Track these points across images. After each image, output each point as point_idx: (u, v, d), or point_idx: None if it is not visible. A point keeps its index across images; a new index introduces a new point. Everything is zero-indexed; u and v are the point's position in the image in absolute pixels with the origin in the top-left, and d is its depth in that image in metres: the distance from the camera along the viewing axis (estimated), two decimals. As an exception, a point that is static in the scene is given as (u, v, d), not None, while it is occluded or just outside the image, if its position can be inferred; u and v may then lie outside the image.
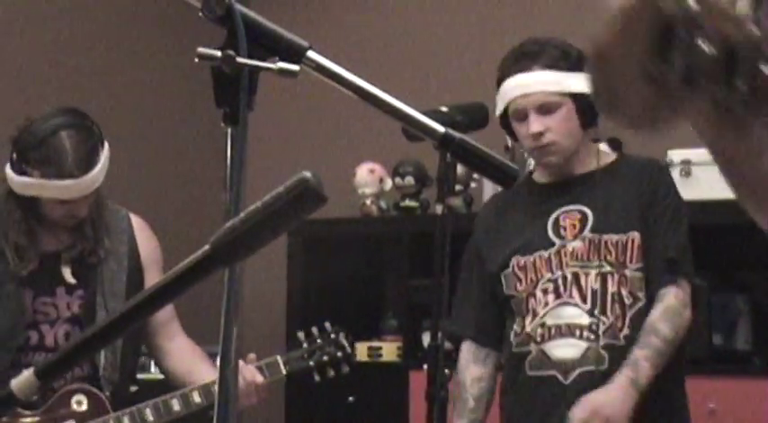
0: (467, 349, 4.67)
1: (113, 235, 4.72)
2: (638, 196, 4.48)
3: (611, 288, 4.40)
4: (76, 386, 4.61)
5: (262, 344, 6.45)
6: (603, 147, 6.28)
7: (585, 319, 4.38)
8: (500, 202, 4.77)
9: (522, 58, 4.47)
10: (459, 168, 4.53)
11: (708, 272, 6.02)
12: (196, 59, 1.96)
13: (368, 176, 6.89)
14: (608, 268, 4.41)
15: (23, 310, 4.58)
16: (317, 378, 4.83)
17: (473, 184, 6.56)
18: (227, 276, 1.92)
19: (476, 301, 4.66)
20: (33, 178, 4.48)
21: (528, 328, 4.46)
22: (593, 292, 4.39)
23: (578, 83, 4.34)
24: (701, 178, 6.08)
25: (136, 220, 4.82)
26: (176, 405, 4.58)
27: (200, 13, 1.97)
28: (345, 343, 4.86)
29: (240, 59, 1.94)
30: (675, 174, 6.12)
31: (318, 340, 4.80)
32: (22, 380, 1.80)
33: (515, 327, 4.51)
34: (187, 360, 4.76)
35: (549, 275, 4.47)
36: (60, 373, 1.81)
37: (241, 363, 4.55)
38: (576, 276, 4.43)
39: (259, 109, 1.97)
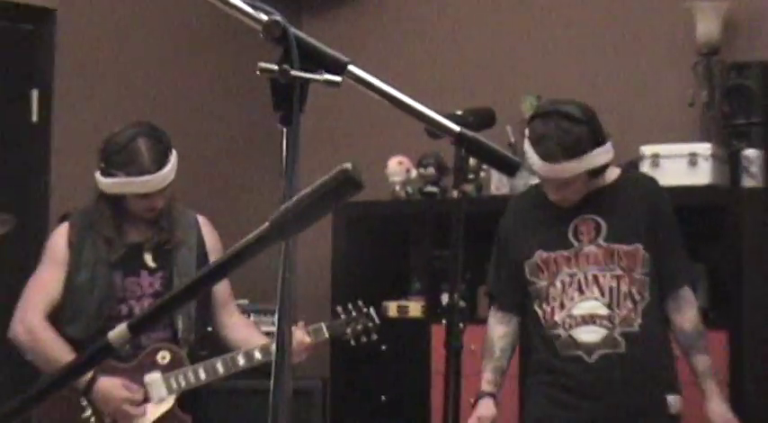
0: (493, 314, 4.85)
1: (184, 229, 4.81)
2: (642, 212, 4.60)
3: (624, 288, 4.55)
4: (161, 344, 4.66)
5: (311, 306, 6.46)
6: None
7: (604, 311, 4.55)
8: (531, 198, 4.84)
9: (548, 143, 4.48)
10: (471, 160, 4.53)
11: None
12: (258, 72, 1.96)
13: (397, 167, 6.89)
14: (620, 272, 4.56)
15: (112, 288, 4.66)
16: (352, 343, 4.96)
17: (482, 173, 6.55)
18: (283, 248, 1.91)
19: (503, 276, 4.81)
20: (119, 178, 4.62)
21: (557, 317, 4.61)
22: (610, 290, 4.56)
23: (598, 158, 4.50)
24: (667, 168, 6.03)
25: (201, 219, 4.93)
26: (241, 360, 4.67)
27: (261, 35, 1.97)
28: (374, 316, 5.03)
29: (293, 72, 1.94)
30: (646, 165, 6.10)
31: (353, 313, 5.03)
32: (117, 332, 1.80)
33: (541, 312, 4.65)
34: (243, 331, 4.89)
35: (567, 271, 4.61)
36: (146, 328, 1.80)
37: (293, 326, 4.63)
38: (595, 277, 4.58)
39: (309, 112, 1.96)
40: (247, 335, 4.85)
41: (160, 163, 4.61)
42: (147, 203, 4.65)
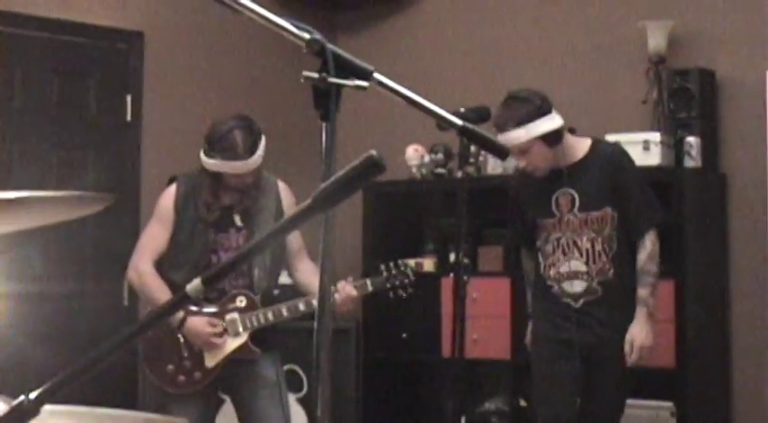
0: (523, 254, 5.00)
1: (266, 194, 4.78)
2: (608, 178, 4.62)
3: (597, 247, 4.63)
4: (240, 291, 4.67)
5: (346, 263, 6.46)
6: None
7: (584, 268, 4.65)
8: (522, 178, 4.83)
9: (501, 121, 4.54)
10: (472, 147, 4.52)
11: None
12: (302, 80, 1.94)
13: (413, 153, 6.86)
14: (593, 235, 4.63)
15: (208, 242, 4.67)
16: (390, 295, 4.89)
17: (481, 158, 6.53)
18: (324, 219, 1.90)
19: (520, 227, 4.91)
20: (217, 160, 4.59)
21: (550, 273, 4.71)
22: (587, 251, 4.65)
23: (542, 125, 4.52)
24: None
25: (281, 183, 4.89)
26: (301, 306, 4.68)
27: (304, 50, 1.95)
28: (411, 274, 4.92)
29: (330, 79, 1.92)
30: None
31: (394, 271, 4.89)
32: (194, 284, 1.79)
33: (542, 267, 4.76)
34: (311, 276, 4.81)
35: (555, 235, 4.70)
36: (217, 282, 1.79)
37: (343, 281, 4.70)
38: (574, 241, 4.65)
39: (342, 110, 1.95)
40: (313, 280, 4.80)
41: (251, 151, 4.58)
42: (240, 180, 4.64)
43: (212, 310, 4.67)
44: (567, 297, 4.69)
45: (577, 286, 4.67)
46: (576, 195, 4.62)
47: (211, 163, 4.60)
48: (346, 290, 4.69)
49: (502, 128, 4.52)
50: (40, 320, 5.86)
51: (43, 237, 5.80)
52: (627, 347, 4.61)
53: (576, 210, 4.63)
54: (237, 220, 4.72)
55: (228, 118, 4.67)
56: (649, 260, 4.65)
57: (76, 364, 1.74)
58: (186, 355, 4.67)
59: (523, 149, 4.53)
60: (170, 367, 4.67)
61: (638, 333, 4.60)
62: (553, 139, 4.54)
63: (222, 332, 4.64)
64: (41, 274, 5.95)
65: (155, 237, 4.72)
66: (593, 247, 4.63)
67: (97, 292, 6.29)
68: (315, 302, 4.64)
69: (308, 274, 4.82)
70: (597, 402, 4.75)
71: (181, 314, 4.59)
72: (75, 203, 2.33)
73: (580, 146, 4.69)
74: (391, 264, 4.89)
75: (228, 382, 4.74)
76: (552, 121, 4.53)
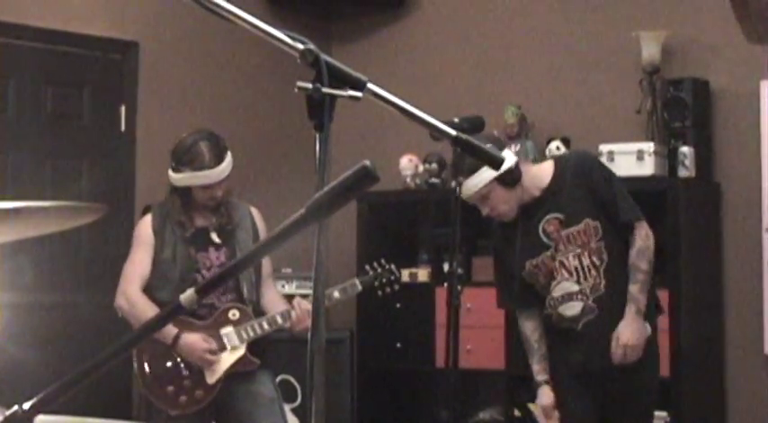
0: (519, 315, 4.65)
1: (241, 216, 4.81)
2: (582, 190, 4.42)
3: (585, 261, 4.40)
4: (231, 304, 4.68)
5: (340, 274, 6.45)
6: (554, 145, 6.28)
7: (576, 287, 4.41)
8: (500, 227, 4.59)
9: (454, 172, 4.37)
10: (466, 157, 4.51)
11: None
12: (296, 90, 1.94)
13: (408, 163, 6.87)
14: (578, 249, 4.39)
15: (191, 261, 4.68)
16: (379, 293, 4.95)
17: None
18: (318, 228, 1.90)
19: (510, 285, 4.57)
20: (185, 173, 4.64)
21: (546, 303, 4.48)
22: (575, 268, 4.40)
23: (491, 171, 4.26)
24: (619, 162, 6.02)
25: (253, 210, 4.92)
26: (294, 313, 4.69)
27: (298, 60, 1.96)
28: (396, 271, 5.00)
29: (324, 89, 1.92)
30: (604, 160, 6.07)
31: (379, 270, 4.96)
32: (187, 295, 1.80)
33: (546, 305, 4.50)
34: (276, 304, 4.84)
35: (554, 265, 4.44)
36: (209, 292, 1.79)
37: (298, 298, 4.79)
38: (561, 262, 4.41)
39: (336, 121, 1.95)
40: (278, 307, 4.82)
41: (218, 160, 4.63)
42: (209, 193, 4.66)
43: (206, 324, 4.66)
44: (568, 321, 4.46)
45: (574, 308, 4.43)
46: (562, 216, 4.41)
47: (180, 177, 4.66)
48: (302, 305, 4.68)
49: (456, 179, 4.22)
50: (33, 330, 5.85)
51: (37, 247, 5.80)
52: (612, 344, 4.37)
53: (564, 229, 4.41)
54: (215, 237, 4.75)
55: (192, 132, 4.75)
56: (638, 256, 4.40)
57: (70, 374, 1.74)
58: (186, 374, 4.65)
59: (483, 196, 4.37)
60: (170, 388, 4.65)
61: (624, 330, 4.35)
62: (509, 180, 4.34)
63: (216, 349, 4.64)
64: (35, 284, 5.94)
65: (139, 262, 4.75)
66: (580, 263, 4.40)
67: (91, 302, 6.28)
68: (265, 325, 4.70)
69: (273, 302, 4.85)
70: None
71: (174, 331, 4.59)
72: (70, 214, 2.34)
73: (544, 171, 4.49)
74: (375, 264, 5.01)
75: (225, 401, 4.71)
76: (510, 159, 4.34)
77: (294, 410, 6.31)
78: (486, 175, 4.30)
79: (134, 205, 6.41)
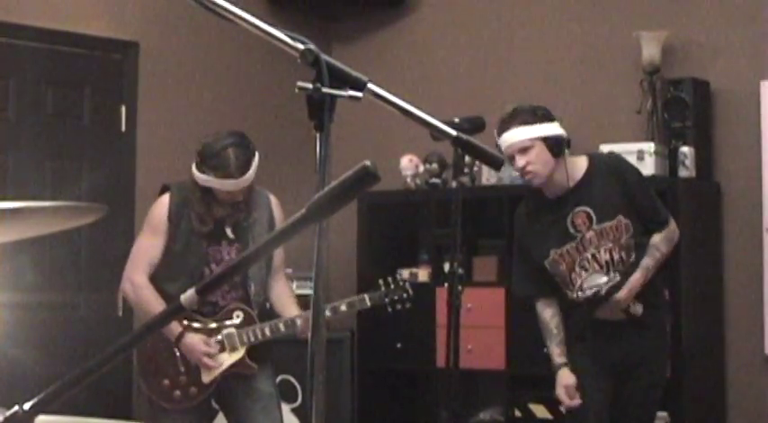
0: (540, 303, 4.73)
1: (258, 208, 4.74)
2: (615, 188, 4.55)
3: (616, 256, 4.55)
4: (236, 305, 4.66)
5: (341, 273, 6.47)
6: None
7: (604, 279, 4.56)
8: (528, 210, 4.73)
9: (505, 122, 4.50)
10: (466, 158, 4.50)
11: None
12: (296, 90, 1.94)
13: (408, 163, 6.86)
14: (611, 244, 4.54)
15: (202, 255, 4.64)
16: (389, 309, 4.91)
17: (475, 168, 6.52)
18: (318, 228, 1.90)
19: (529, 273, 4.70)
20: (209, 176, 4.56)
21: (573, 296, 4.60)
22: (606, 263, 4.55)
23: (544, 129, 4.45)
24: (621, 162, 6.02)
25: (273, 198, 4.86)
26: (299, 322, 4.65)
27: (299, 60, 1.96)
28: (409, 289, 4.92)
29: (325, 89, 1.92)
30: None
31: (392, 285, 4.89)
32: (188, 295, 1.79)
33: (567, 293, 4.62)
34: (284, 299, 4.84)
35: (579, 257, 4.56)
36: (210, 292, 1.79)
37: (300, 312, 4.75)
38: (593, 255, 4.54)
39: (336, 121, 1.95)
40: (286, 303, 4.82)
41: (243, 171, 4.53)
42: (230, 196, 4.60)
43: (212, 325, 4.66)
44: (592, 288, 4.60)
45: (602, 280, 4.59)
46: (591, 210, 4.54)
47: (202, 178, 4.57)
48: (304, 317, 4.66)
49: (505, 128, 4.45)
50: (33, 331, 5.85)
51: (37, 247, 5.80)
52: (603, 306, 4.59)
53: (594, 225, 4.54)
54: (229, 232, 4.70)
55: (224, 134, 4.62)
56: (663, 240, 4.64)
57: (70, 374, 1.74)
58: (183, 370, 4.65)
59: (524, 148, 4.44)
60: (166, 382, 4.65)
61: (623, 293, 4.54)
62: (555, 145, 4.46)
63: (216, 353, 4.63)
64: (35, 284, 5.94)
65: (149, 248, 4.69)
66: (611, 257, 4.56)
67: (91, 303, 6.29)
68: (281, 327, 4.69)
69: (282, 297, 4.83)
70: (630, 413, 4.70)
71: (179, 329, 4.57)
72: (70, 214, 2.33)
73: (579, 163, 4.60)
74: (389, 278, 4.92)
75: (224, 395, 4.72)
76: (556, 129, 4.49)
77: (294, 410, 6.31)
78: (537, 130, 4.45)
79: (134, 205, 6.41)
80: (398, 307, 4.90)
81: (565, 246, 4.56)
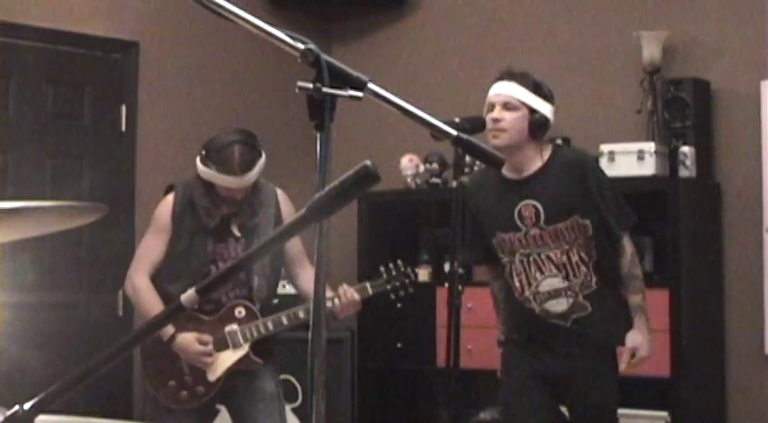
0: (487, 270, 4.68)
1: (265, 204, 4.71)
2: (572, 187, 4.34)
3: (574, 258, 4.36)
4: (238, 301, 4.64)
5: (342, 272, 6.46)
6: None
7: (564, 283, 4.37)
8: (487, 180, 4.56)
9: (506, 75, 4.39)
10: (467, 157, 4.50)
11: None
12: (296, 90, 1.94)
13: (408, 163, 6.86)
14: (566, 246, 4.35)
15: (207, 253, 4.61)
16: (392, 297, 4.86)
17: (475, 168, 6.51)
18: (319, 228, 1.90)
19: (480, 242, 4.56)
20: (212, 170, 4.53)
21: (527, 293, 4.43)
22: (564, 264, 4.36)
23: (537, 103, 4.31)
24: (620, 162, 6.03)
25: (280, 192, 4.83)
26: (301, 313, 4.62)
27: (299, 60, 1.96)
28: (411, 275, 4.89)
29: (325, 89, 1.92)
30: (605, 160, 6.09)
31: (393, 272, 4.85)
32: (188, 295, 1.79)
33: (511, 282, 4.47)
34: (312, 283, 4.75)
35: (522, 250, 4.40)
36: (210, 292, 1.79)
37: (345, 286, 4.66)
38: (548, 257, 4.36)
39: (337, 120, 1.95)
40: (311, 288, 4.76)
41: (246, 169, 4.52)
42: (231, 193, 4.58)
43: (212, 320, 4.64)
44: (555, 318, 4.42)
45: (562, 305, 4.39)
46: (541, 207, 4.35)
47: (205, 171, 4.56)
48: (348, 294, 4.63)
49: (504, 78, 4.35)
50: (34, 330, 5.85)
51: (38, 246, 5.80)
52: (626, 356, 4.36)
53: (542, 222, 4.35)
54: (235, 230, 4.67)
55: (232, 131, 4.62)
56: (633, 264, 4.40)
57: (71, 374, 1.74)
58: (187, 370, 4.62)
59: (509, 105, 4.30)
60: (171, 383, 4.63)
61: (643, 343, 4.36)
62: (538, 123, 4.30)
63: (212, 352, 4.61)
64: (36, 284, 5.94)
65: (151, 247, 4.67)
66: (569, 259, 4.35)
67: (92, 302, 6.29)
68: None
69: (309, 281, 4.77)
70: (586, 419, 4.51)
71: (171, 330, 4.54)
72: (70, 213, 2.33)
73: (543, 153, 4.42)
74: (390, 265, 4.86)
75: (227, 394, 4.71)
76: (549, 111, 4.33)
77: (294, 410, 6.31)
78: (531, 97, 4.31)
79: (134, 205, 6.41)
80: (401, 293, 4.85)
81: (509, 233, 4.40)
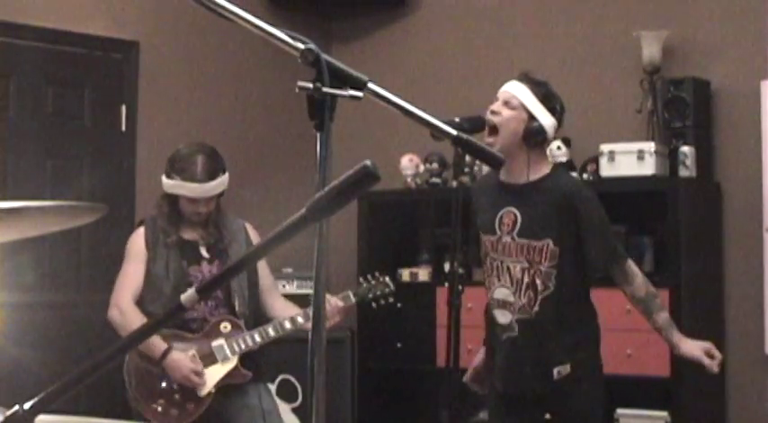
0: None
1: (232, 232, 4.80)
2: (555, 210, 4.15)
3: (527, 279, 4.14)
4: (223, 317, 4.67)
5: (341, 273, 6.46)
6: (555, 145, 6.25)
7: (511, 299, 4.19)
8: (485, 183, 4.48)
9: (521, 76, 4.33)
10: (466, 157, 4.49)
11: (625, 221, 6.00)
12: (296, 90, 1.94)
13: (408, 163, 6.87)
14: (526, 264, 4.14)
15: (184, 273, 4.69)
16: (373, 305, 4.97)
17: (476, 167, 6.52)
18: (318, 228, 1.90)
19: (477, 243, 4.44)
20: (176, 181, 4.63)
21: (488, 295, 4.31)
22: (516, 281, 4.17)
23: (539, 112, 4.19)
24: (620, 162, 6.04)
25: (248, 225, 4.91)
26: (288, 324, 4.70)
27: (299, 60, 1.96)
28: (390, 283, 5.00)
29: (325, 89, 1.92)
30: (605, 160, 6.09)
31: (373, 282, 4.96)
32: (188, 294, 1.79)
33: (485, 284, 4.34)
34: (286, 310, 4.83)
35: (492, 254, 4.26)
36: (211, 291, 1.79)
37: (328, 295, 4.59)
38: (508, 267, 4.19)
39: (337, 120, 1.95)
40: (289, 313, 4.81)
41: (209, 176, 4.62)
42: (194, 207, 4.67)
43: (198, 337, 4.66)
44: (497, 328, 4.26)
45: (505, 317, 4.21)
46: (519, 217, 4.18)
47: (169, 184, 4.67)
48: (332, 302, 4.71)
49: (519, 78, 4.30)
50: (33, 330, 5.85)
51: (37, 246, 5.80)
52: (707, 361, 4.17)
53: (515, 232, 4.18)
54: (204, 251, 4.75)
55: (195, 143, 4.77)
56: (646, 283, 4.22)
57: (70, 374, 1.74)
58: (176, 387, 4.64)
59: (509, 104, 4.22)
60: (161, 401, 4.64)
61: (698, 345, 4.20)
62: (533, 131, 4.17)
63: (202, 371, 4.62)
64: (35, 284, 5.94)
65: (129, 274, 4.75)
66: (522, 278, 4.15)
67: (91, 302, 6.27)
68: (300, 320, 4.68)
69: (282, 309, 4.84)
70: None
71: (164, 346, 4.58)
72: (70, 213, 2.33)
73: (542, 168, 4.25)
74: (369, 276, 5.02)
75: (217, 409, 4.71)
76: (549, 124, 4.21)
77: (294, 410, 6.31)
78: (534, 103, 4.20)
79: (134, 205, 6.41)
80: (382, 302, 4.98)
81: (487, 235, 4.26)
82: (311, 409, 1.93)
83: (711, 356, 4.20)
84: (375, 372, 6.78)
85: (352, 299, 4.87)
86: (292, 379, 6.32)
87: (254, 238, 4.86)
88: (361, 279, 5.02)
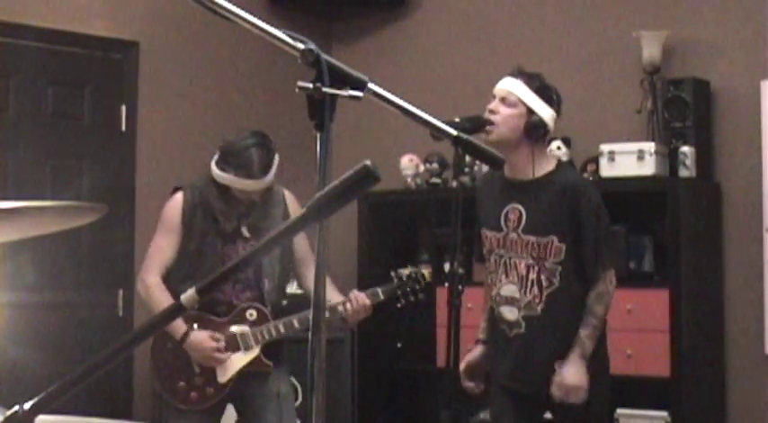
0: (482, 268, 4.56)
1: (274, 205, 4.70)
2: (561, 207, 4.21)
3: (532, 276, 4.23)
4: (249, 303, 4.63)
5: (342, 272, 6.46)
6: (555, 145, 6.26)
7: (518, 295, 4.26)
8: (489, 180, 4.54)
9: (515, 71, 4.34)
10: (466, 157, 4.49)
11: (626, 221, 6.00)
12: (297, 90, 1.94)
13: (408, 163, 6.87)
14: (531, 261, 4.23)
15: (218, 254, 4.60)
16: (402, 303, 4.82)
17: (476, 167, 6.53)
18: (318, 228, 1.90)
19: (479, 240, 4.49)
20: (229, 175, 4.53)
21: (493, 292, 4.36)
22: (522, 277, 4.25)
23: (538, 105, 4.23)
24: (620, 162, 6.04)
25: (287, 193, 4.80)
26: (341, 308, 4.60)
27: (299, 60, 1.96)
28: (423, 279, 4.84)
29: (325, 89, 1.92)
30: (605, 160, 6.09)
31: (404, 278, 4.80)
32: (188, 295, 1.79)
33: (488, 281, 4.39)
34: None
35: (497, 251, 4.32)
36: (211, 292, 1.78)
37: (356, 291, 4.65)
38: (515, 263, 4.27)
39: (337, 120, 1.95)
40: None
41: (264, 172, 4.53)
42: (248, 196, 4.59)
43: (224, 321, 4.63)
44: (504, 324, 4.32)
45: (512, 314, 4.29)
46: (524, 213, 4.26)
47: (222, 176, 4.55)
48: (359, 299, 4.60)
49: (512, 74, 4.28)
50: (34, 330, 5.85)
51: (38, 246, 5.79)
52: (554, 389, 4.18)
53: (520, 229, 4.26)
54: (245, 231, 4.65)
55: (248, 134, 4.60)
56: (597, 299, 4.20)
57: (71, 374, 1.74)
58: (198, 371, 4.61)
59: (507, 100, 4.25)
60: (181, 384, 4.62)
61: (569, 375, 4.17)
62: (534, 125, 4.22)
63: (224, 348, 4.60)
64: (35, 284, 5.94)
65: (162, 248, 4.65)
66: (527, 274, 4.24)
67: (92, 302, 6.29)
68: (326, 313, 4.61)
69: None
70: None
71: (184, 328, 4.53)
72: (70, 213, 2.33)
73: (547, 165, 4.32)
74: (401, 270, 4.82)
75: (237, 396, 4.70)
76: (549, 117, 4.25)
77: (295, 410, 6.31)
78: (531, 97, 4.22)
79: (134, 205, 6.41)
80: (411, 299, 4.81)
81: (492, 231, 4.33)
82: (311, 409, 1.93)
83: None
84: (375, 372, 6.78)
85: (381, 296, 4.72)
86: (292, 379, 6.31)
87: (292, 206, 4.75)
88: (392, 274, 4.84)
